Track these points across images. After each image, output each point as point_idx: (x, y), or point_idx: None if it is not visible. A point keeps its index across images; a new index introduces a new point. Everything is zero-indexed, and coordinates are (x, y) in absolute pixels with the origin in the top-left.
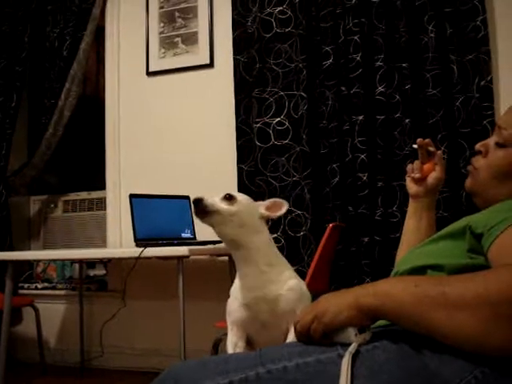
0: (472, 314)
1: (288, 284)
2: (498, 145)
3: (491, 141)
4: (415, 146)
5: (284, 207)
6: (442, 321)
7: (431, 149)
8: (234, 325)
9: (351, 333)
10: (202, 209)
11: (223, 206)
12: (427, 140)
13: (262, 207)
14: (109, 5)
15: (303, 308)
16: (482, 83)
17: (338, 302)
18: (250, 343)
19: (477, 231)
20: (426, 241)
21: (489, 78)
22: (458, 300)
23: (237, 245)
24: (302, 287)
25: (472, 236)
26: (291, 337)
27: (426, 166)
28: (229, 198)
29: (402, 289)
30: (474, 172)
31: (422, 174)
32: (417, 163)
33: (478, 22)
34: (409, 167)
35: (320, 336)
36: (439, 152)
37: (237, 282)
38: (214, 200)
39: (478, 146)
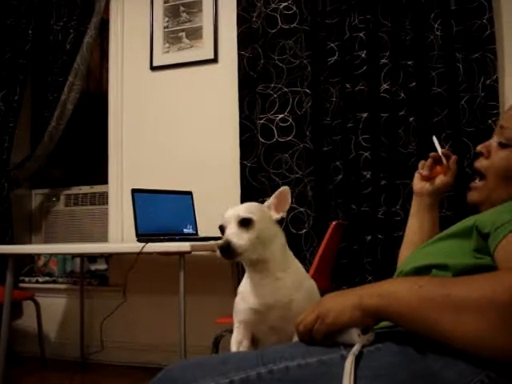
0: (478, 317)
1: (300, 288)
2: (501, 145)
3: (493, 141)
4: (435, 138)
5: (288, 196)
6: (447, 323)
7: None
8: (241, 323)
9: (354, 333)
10: (231, 253)
11: (245, 238)
12: (447, 151)
13: (272, 211)
14: None
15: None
16: (488, 82)
17: (342, 303)
18: (254, 342)
19: (484, 231)
20: (431, 240)
21: (494, 77)
22: (464, 302)
23: (257, 261)
24: (313, 288)
25: (479, 236)
26: (296, 338)
27: (438, 168)
28: (245, 222)
29: (407, 290)
30: (478, 186)
31: (431, 173)
32: (429, 161)
33: (484, 21)
34: (421, 163)
35: (323, 337)
36: (454, 157)
37: (247, 286)
38: (238, 236)
39: (479, 148)
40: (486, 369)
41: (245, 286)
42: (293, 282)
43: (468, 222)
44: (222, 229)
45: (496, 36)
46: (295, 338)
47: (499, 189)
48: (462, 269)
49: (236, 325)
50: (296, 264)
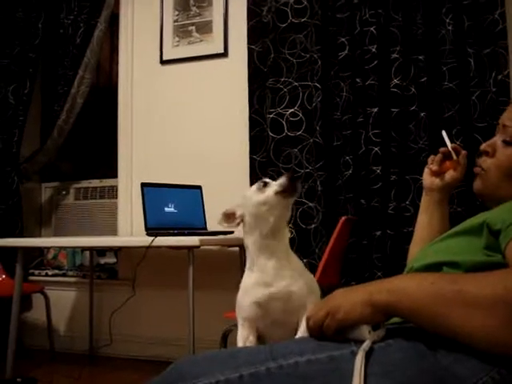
0: (488, 314)
1: (301, 280)
2: (506, 142)
3: (497, 140)
4: (444, 133)
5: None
6: (458, 319)
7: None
8: (245, 320)
9: (365, 330)
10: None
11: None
12: (457, 146)
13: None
14: None
15: (316, 303)
16: (499, 77)
17: (352, 299)
18: (259, 338)
19: (494, 228)
20: (441, 236)
21: (506, 73)
22: (476, 299)
23: (278, 229)
24: (313, 283)
25: (489, 233)
26: (301, 330)
27: (448, 163)
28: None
29: (418, 286)
30: (482, 174)
31: (441, 168)
32: (439, 156)
33: (496, 16)
34: (430, 158)
35: (333, 332)
36: (464, 152)
37: (249, 278)
38: None
39: (483, 147)
40: (497, 365)
41: (247, 279)
42: (294, 272)
43: (478, 219)
44: (265, 184)
45: (508, 31)
46: (300, 331)
47: (506, 186)
48: (472, 266)
49: (240, 322)
50: (296, 258)
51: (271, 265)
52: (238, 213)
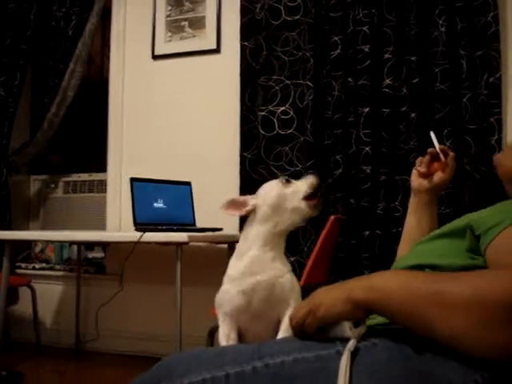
0: (466, 315)
1: (288, 275)
2: None
3: None
4: (433, 134)
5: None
6: (434, 319)
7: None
8: (227, 315)
9: (346, 327)
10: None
11: None
12: (445, 147)
13: None
14: None
15: (299, 303)
16: (491, 80)
17: (332, 296)
18: (239, 335)
19: (477, 231)
20: (426, 238)
21: (498, 76)
22: (452, 300)
23: (289, 229)
24: (295, 280)
25: (472, 235)
26: (284, 329)
27: (436, 164)
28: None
29: (397, 284)
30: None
31: (429, 170)
32: (427, 158)
33: (489, 18)
34: (418, 160)
35: (315, 330)
36: (452, 154)
37: (236, 268)
38: None
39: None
40: (480, 369)
41: (233, 269)
42: (284, 267)
43: (462, 221)
44: (288, 180)
45: (500, 34)
46: (283, 329)
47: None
48: (455, 269)
49: (221, 319)
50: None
51: (268, 256)
52: (252, 202)
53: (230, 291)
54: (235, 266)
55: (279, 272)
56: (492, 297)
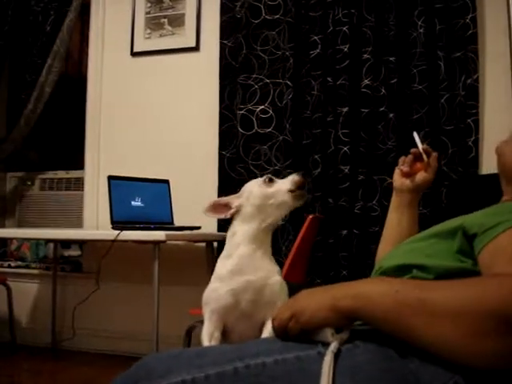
0: (452, 324)
1: (277, 276)
2: None
3: None
4: (416, 134)
5: None
6: (420, 328)
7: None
8: (213, 313)
9: (328, 332)
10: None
11: None
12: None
13: None
14: None
15: (282, 303)
16: (469, 81)
17: (317, 302)
18: (224, 333)
19: (470, 232)
20: (414, 237)
21: (475, 77)
22: (439, 308)
23: (274, 226)
24: (283, 283)
25: (464, 237)
26: (268, 331)
27: (419, 164)
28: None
29: (383, 293)
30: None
31: (412, 170)
32: (410, 157)
33: (467, 20)
34: (401, 159)
35: (297, 335)
36: (435, 154)
37: (225, 266)
38: None
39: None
40: (458, 372)
41: (222, 268)
42: (273, 268)
43: (455, 222)
44: (271, 179)
45: (478, 36)
46: (266, 330)
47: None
48: (442, 271)
49: (207, 316)
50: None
51: (257, 255)
52: (235, 203)
53: (219, 290)
54: (224, 264)
55: (269, 273)
56: (480, 306)
